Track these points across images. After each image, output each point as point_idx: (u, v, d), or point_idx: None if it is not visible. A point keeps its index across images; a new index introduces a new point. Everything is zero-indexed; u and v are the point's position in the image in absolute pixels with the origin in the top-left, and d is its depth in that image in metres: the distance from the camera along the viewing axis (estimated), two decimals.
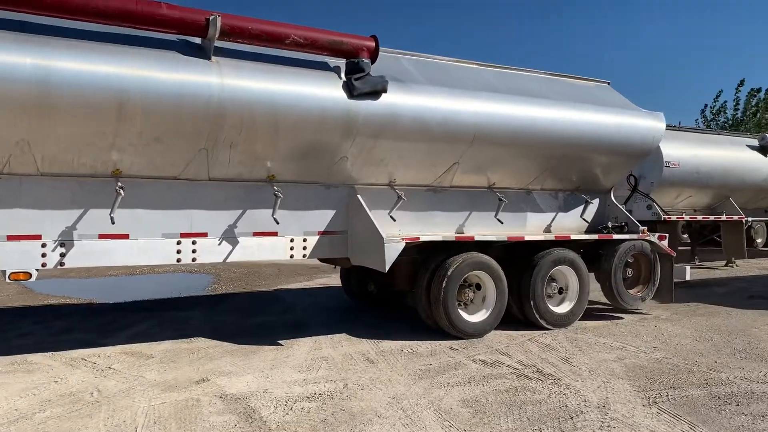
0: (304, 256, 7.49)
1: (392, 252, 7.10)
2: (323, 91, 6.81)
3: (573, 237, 8.74)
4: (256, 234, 7.17)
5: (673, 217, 15.34)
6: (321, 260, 8.42)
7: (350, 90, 6.91)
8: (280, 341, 7.56)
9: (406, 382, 6.03)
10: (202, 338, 7.72)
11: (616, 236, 9.11)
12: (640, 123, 9.26)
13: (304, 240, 7.45)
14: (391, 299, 9.42)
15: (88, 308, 9.90)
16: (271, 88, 6.52)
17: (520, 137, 8.23)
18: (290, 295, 11.15)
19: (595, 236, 8.99)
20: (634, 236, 9.24)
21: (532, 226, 9.18)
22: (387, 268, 7.10)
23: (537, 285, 8.28)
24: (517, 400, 5.56)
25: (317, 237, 7.54)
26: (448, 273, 7.62)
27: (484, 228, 8.66)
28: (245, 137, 6.55)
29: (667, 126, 16.23)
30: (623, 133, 9.08)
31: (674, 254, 9.58)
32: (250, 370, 6.39)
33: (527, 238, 8.31)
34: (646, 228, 9.39)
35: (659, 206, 14.90)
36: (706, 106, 34.05)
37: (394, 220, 7.76)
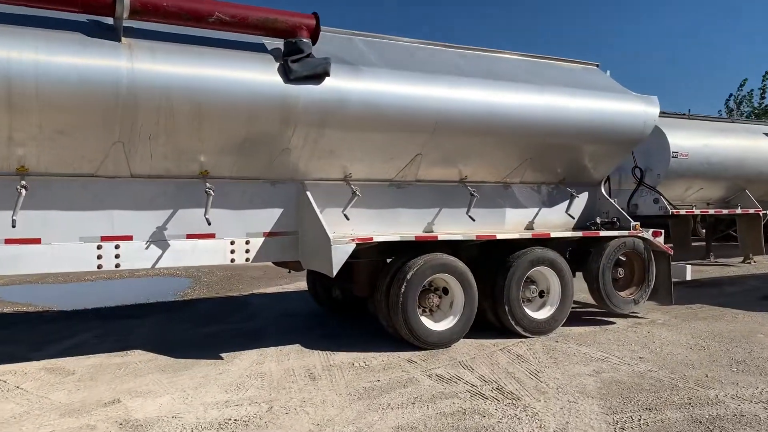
0: (247, 260, 6.76)
1: (340, 254, 6.36)
2: (255, 75, 6.08)
3: (553, 234, 7.90)
4: (190, 236, 6.47)
5: (682, 211, 14.32)
6: (275, 264, 7.69)
7: (287, 73, 6.16)
8: (223, 354, 6.86)
9: (342, 403, 5.28)
10: (141, 351, 7.04)
11: (603, 233, 8.24)
12: (630, 108, 8.38)
13: (247, 242, 6.73)
14: (358, 305, 8.66)
15: (40, 316, 9.31)
16: (192, 73, 5.80)
17: (492, 125, 7.42)
18: (261, 300, 10.45)
19: (579, 233, 8.13)
20: (625, 233, 8.36)
21: (511, 224, 8.36)
22: (334, 273, 6.36)
23: (512, 288, 7.46)
24: (461, 426, 4.78)
25: (262, 239, 6.81)
26: (408, 276, 6.84)
27: (457, 226, 7.86)
28: (165, 128, 5.85)
29: (675, 114, 15.43)
30: (610, 119, 8.21)
31: (671, 252, 8.67)
32: (173, 389, 5.69)
33: (500, 236, 7.49)
34: (638, 224, 8.50)
35: (666, 200, 13.93)
36: (730, 95, 32.70)
37: (348, 219, 7.00)
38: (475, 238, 7.35)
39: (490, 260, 7.73)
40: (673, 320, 8.67)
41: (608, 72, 9.30)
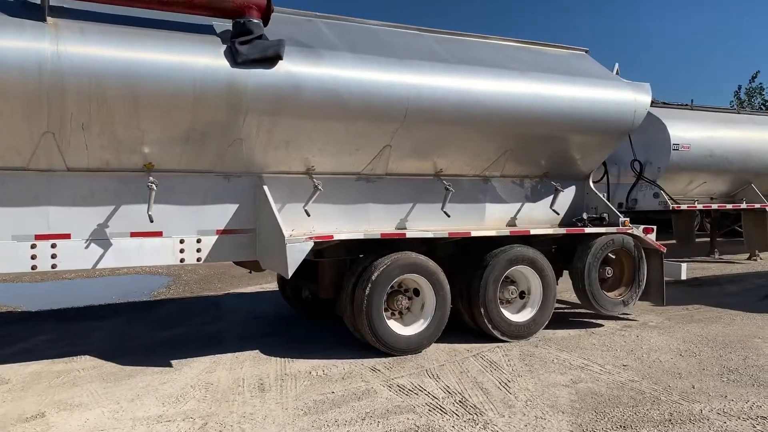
0: (198, 260, 6.27)
1: (296, 254, 5.86)
2: (198, 58, 5.57)
3: (533, 231, 7.36)
4: (134, 234, 5.98)
5: (684, 206, 13.73)
6: (235, 263, 7.20)
7: (234, 57, 5.66)
8: (174, 361, 6.38)
9: (285, 420, 4.79)
10: (89, 357, 6.59)
11: (588, 230, 7.69)
12: (619, 95, 7.81)
13: (198, 241, 6.23)
14: (328, 308, 8.14)
15: (0, 317, 8.87)
16: (126, 57, 5.30)
17: (467, 114, 6.88)
18: (235, 301, 9.97)
19: (561, 230, 7.59)
20: (612, 229, 7.80)
21: (491, 220, 7.82)
22: (290, 274, 5.87)
23: (488, 289, 6.93)
24: None
25: (215, 237, 6.32)
26: (373, 277, 6.34)
27: (432, 222, 7.33)
28: (98, 117, 5.36)
29: (677, 104, 14.79)
30: (598, 107, 7.65)
31: (664, 250, 8.10)
32: (107, 401, 5.22)
33: (475, 233, 6.96)
34: (627, 220, 7.94)
35: (667, 194, 13.34)
36: (740, 87, 31.90)
37: (309, 216, 6.49)
38: (447, 236, 6.82)
39: (467, 259, 7.21)
40: (666, 323, 8.11)
41: (616, 67, 8.66)
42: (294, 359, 6.43)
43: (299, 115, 6.08)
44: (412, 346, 6.56)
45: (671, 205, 13.30)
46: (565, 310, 8.89)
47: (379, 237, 6.46)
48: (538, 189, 8.12)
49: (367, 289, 6.31)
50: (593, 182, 14.38)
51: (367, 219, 7.05)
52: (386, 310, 6.63)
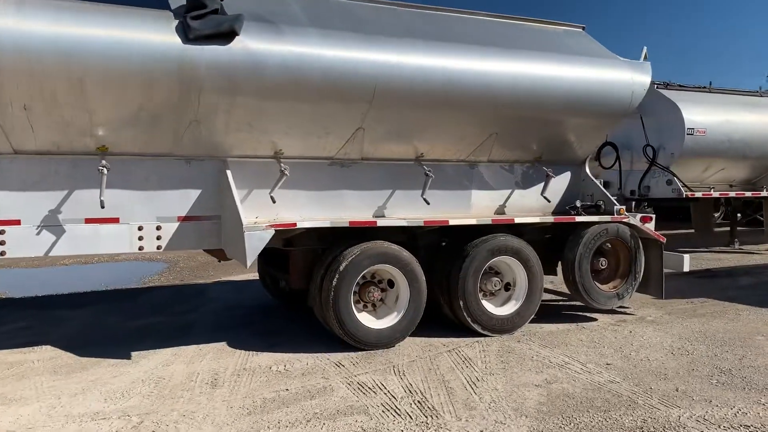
0: (159, 247, 5.98)
1: (255, 242, 5.54)
2: (147, 34, 5.25)
3: (518, 220, 6.92)
4: (89, 221, 5.71)
5: (698, 194, 13.10)
6: (206, 251, 6.90)
7: (186, 32, 5.32)
8: (135, 352, 6.14)
9: (225, 419, 4.48)
10: (49, 347, 6.38)
11: (579, 218, 7.23)
12: (616, 75, 7.31)
13: (158, 228, 5.94)
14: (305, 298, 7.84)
15: None
16: (68, 33, 5.00)
17: (447, 95, 6.46)
18: (221, 289, 9.71)
19: (550, 219, 7.13)
20: (606, 218, 7.33)
21: (478, 207, 7.41)
22: (248, 263, 5.55)
23: (468, 280, 6.54)
24: None
25: (177, 224, 6.02)
26: (341, 268, 5.99)
27: (413, 210, 6.96)
28: (41, 98, 5.08)
29: (694, 87, 14.09)
30: (592, 87, 7.16)
31: (664, 240, 7.60)
32: (49, 395, 4.97)
33: (452, 222, 6.56)
34: (623, 207, 7.46)
35: (681, 181, 12.73)
36: None
37: (274, 202, 6.15)
38: (423, 224, 6.43)
39: (449, 249, 6.82)
40: (665, 317, 7.63)
41: (644, 50, 8.04)
42: (259, 352, 6.12)
43: (260, 95, 5.72)
44: (384, 340, 6.21)
45: (685, 193, 12.70)
46: (560, 303, 8.46)
47: (347, 225, 6.09)
48: (529, 175, 7.68)
49: (334, 280, 5.97)
50: (604, 168, 13.96)
51: (342, 206, 6.69)
52: (358, 302, 6.31)
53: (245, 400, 4.84)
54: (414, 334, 6.51)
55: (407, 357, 5.96)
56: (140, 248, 5.90)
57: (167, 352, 6.14)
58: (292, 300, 7.94)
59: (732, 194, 13.81)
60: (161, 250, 6.01)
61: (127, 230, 5.84)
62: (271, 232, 5.61)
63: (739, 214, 16.32)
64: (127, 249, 5.90)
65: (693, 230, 16.39)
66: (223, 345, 6.39)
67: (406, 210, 6.96)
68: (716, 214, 18.60)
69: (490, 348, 6.27)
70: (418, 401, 4.81)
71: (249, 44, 5.55)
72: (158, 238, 5.95)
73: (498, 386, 5.15)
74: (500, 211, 7.54)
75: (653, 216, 7.68)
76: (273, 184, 6.24)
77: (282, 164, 6.19)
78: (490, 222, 6.72)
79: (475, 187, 7.39)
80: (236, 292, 9.29)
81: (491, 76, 6.64)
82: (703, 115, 12.80)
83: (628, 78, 7.32)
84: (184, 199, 6.04)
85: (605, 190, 7.75)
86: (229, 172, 6.03)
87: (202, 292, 9.41)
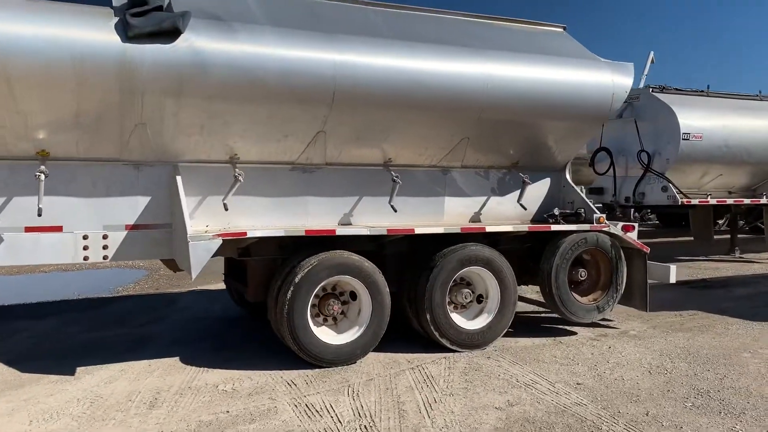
0: (105, 257, 5.67)
1: (201, 252, 5.22)
2: (81, 32, 4.94)
3: (489, 229, 6.56)
4: (29, 229, 5.41)
5: (695, 201, 12.68)
6: (162, 261, 6.58)
7: (125, 30, 5.01)
8: (80, 368, 5.84)
9: None
10: None
11: (555, 227, 6.86)
12: (595, 77, 6.95)
13: (105, 236, 5.62)
14: None
15: None
16: None
17: (412, 97, 6.14)
18: (194, 299, 9.38)
19: (524, 227, 6.77)
20: (585, 227, 6.96)
21: (452, 215, 7.07)
22: (194, 275, 5.23)
23: (435, 292, 6.19)
24: None
25: (125, 232, 5.71)
26: (296, 280, 5.66)
27: (382, 217, 6.62)
28: None
29: (690, 90, 13.68)
30: (569, 90, 6.81)
31: (647, 250, 7.22)
32: None
33: (418, 230, 6.21)
34: (603, 216, 7.08)
35: (676, 187, 12.33)
36: None
37: (227, 209, 5.83)
38: (386, 233, 6.09)
39: (418, 259, 6.48)
40: (649, 331, 7.25)
41: (651, 55, 7.78)
42: (211, 369, 5.80)
43: (209, 97, 5.41)
44: (343, 357, 5.86)
45: (680, 200, 12.29)
46: (541, 315, 8.08)
47: (303, 234, 5.76)
48: (506, 181, 7.33)
49: (289, 292, 5.64)
50: (598, 174, 13.57)
51: (306, 213, 6.37)
52: (318, 315, 5.98)
53: (179, 424, 4.51)
54: (380, 349, 6.19)
55: (366, 375, 5.61)
56: (85, 258, 5.59)
57: (115, 368, 5.82)
58: (258, 312, 7.60)
59: (730, 201, 13.38)
60: (108, 260, 5.70)
61: (71, 239, 5.53)
62: (218, 242, 5.29)
63: (742, 222, 15.91)
64: (71, 259, 5.59)
65: (692, 238, 15.95)
66: (175, 360, 6.07)
67: (375, 217, 6.62)
68: (720, 221, 18.18)
69: (456, 365, 5.91)
70: (365, 426, 4.47)
71: (196, 43, 5.24)
72: (105, 247, 5.64)
73: (455, 409, 4.79)
74: (475, 218, 7.19)
75: (636, 225, 7.31)
76: (222, 190, 5.92)
77: (237, 169, 5.87)
78: (458, 231, 6.37)
79: (449, 193, 7.05)
80: (208, 303, 8.96)
81: (462, 78, 6.31)
82: (700, 120, 12.41)
83: (609, 80, 6.96)
84: (132, 207, 5.73)
85: (585, 198, 7.37)
86: (179, 178, 5.71)
87: (173, 301, 9.10)
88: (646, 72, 15.74)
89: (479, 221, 7.19)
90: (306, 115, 5.84)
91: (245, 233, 5.50)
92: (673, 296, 9.41)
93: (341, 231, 5.90)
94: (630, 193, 13.14)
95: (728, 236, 15.65)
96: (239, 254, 6.19)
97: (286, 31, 5.64)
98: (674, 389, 5.26)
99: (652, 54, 16.15)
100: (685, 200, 12.44)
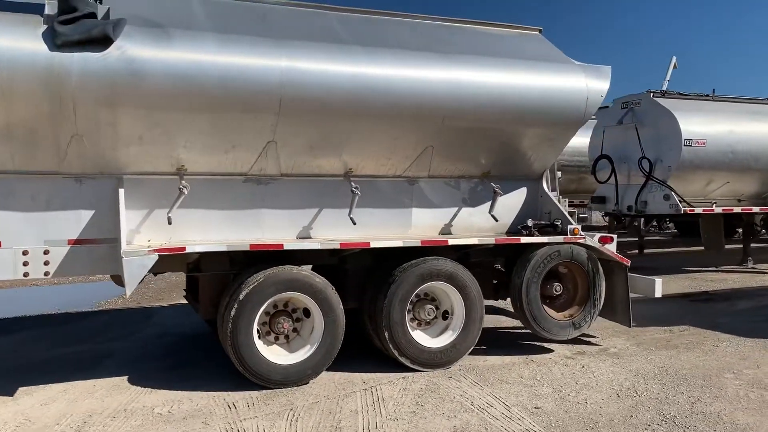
0: (47, 273, 5.46)
1: (135, 269, 5.02)
2: (9, 41, 4.77)
3: (452, 242, 6.25)
4: None
5: (698, 209, 12.19)
6: (111, 277, 6.36)
7: (53, 38, 4.83)
8: (25, 387, 5.66)
9: None
10: None
11: (525, 239, 6.52)
12: (568, 81, 6.62)
13: (46, 252, 5.42)
14: None
15: None
16: None
17: (366, 104, 5.88)
18: (170, 314, 9.17)
19: (490, 240, 6.43)
20: (558, 239, 6.60)
21: (420, 227, 6.76)
22: (129, 292, 5.02)
23: (393, 309, 5.89)
24: None
25: (67, 248, 5.50)
26: (240, 297, 5.41)
27: (344, 230, 6.33)
28: None
29: (694, 95, 13.17)
30: (541, 95, 6.50)
31: (628, 263, 6.84)
32: None
33: (374, 244, 5.92)
34: (578, 227, 6.71)
35: (678, 195, 11.87)
36: None
37: (170, 223, 5.59)
38: (339, 247, 5.81)
39: (379, 273, 6.18)
40: (631, 349, 6.85)
41: (673, 60, 7.48)
42: (155, 389, 5.56)
43: (147, 107, 5.21)
44: (292, 377, 5.58)
45: (683, 209, 11.82)
46: (521, 331, 7.69)
47: (247, 248, 5.51)
48: (477, 192, 7.00)
49: (233, 310, 5.39)
50: (600, 182, 13.15)
51: (260, 226, 6.12)
52: (269, 333, 5.71)
53: None
54: (338, 368, 5.92)
55: (313, 397, 5.32)
56: (25, 274, 5.39)
57: (57, 388, 5.62)
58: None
59: (737, 210, 12.84)
60: (50, 276, 5.50)
61: (10, 255, 5.33)
62: (154, 257, 5.07)
63: (762, 230, 15.32)
64: (11, 275, 5.39)
65: (702, 248, 15.40)
66: (123, 380, 5.85)
67: (336, 230, 6.35)
68: (740, 230, 17.54)
69: (413, 386, 5.60)
70: None
71: (130, 51, 5.04)
72: (46, 263, 5.44)
73: None
74: (446, 231, 6.88)
75: (614, 236, 6.92)
76: (169, 202, 5.70)
77: (183, 181, 5.64)
78: (418, 244, 6.06)
79: (416, 205, 6.75)
80: (183, 317, 8.73)
81: (423, 84, 6.04)
82: (703, 125, 11.95)
83: (582, 84, 6.62)
84: (75, 221, 5.52)
85: (562, 208, 7.01)
86: (121, 191, 5.51)
87: (149, 316, 8.90)
88: (668, 78, 15.20)
89: (450, 233, 6.88)
90: (253, 124, 5.60)
91: (184, 248, 5.28)
92: (667, 310, 8.98)
93: (290, 245, 5.64)
94: (632, 202, 12.69)
95: (740, 246, 15.06)
96: (189, 270, 5.97)
97: (228, 37, 5.41)
98: (638, 414, 4.88)
99: (674, 59, 15.62)
100: (688, 209, 11.97)
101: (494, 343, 7.08)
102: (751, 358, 6.44)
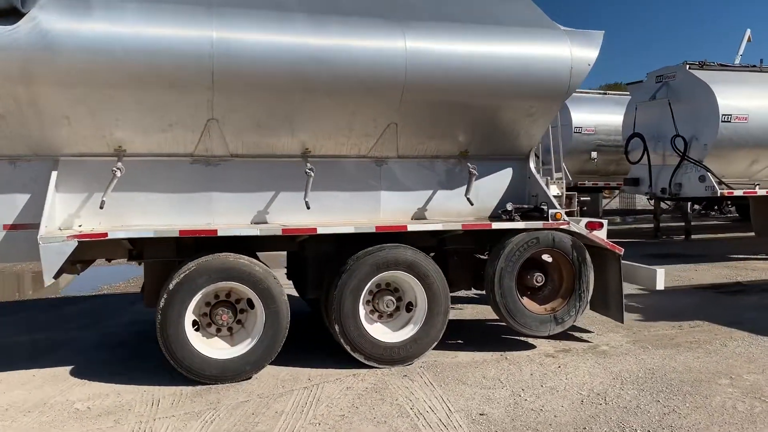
0: None
1: (52, 256, 4.74)
2: None
3: (411, 227, 5.70)
4: None
5: (738, 192, 11.14)
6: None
7: None
8: None
9: None
10: None
11: (496, 225, 5.91)
12: (549, 49, 5.93)
13: None
14: None
15: None
16: None
17: (317, 77, 5.38)
18: None
19: (457, 225, 5.85)
20: (537, 224, 5.96)
21: (390, 212, 6.24)
22: (47, 280, 4.74)
23: (344, 300, 5.43)
24: None
25: (3, 233, 5.28)
26: (170, 286, 5.05)
27: (303, 214, 5.86)
28: None
29: (737, 66, 12.02)
30: (518, 63, 5.85)
31: (621, 251, 6.12)
32: None
33: (321, 230, 5.45)
34: (561, 212, 6.04)
35: (715, 176, 10.88)
36: None
37: (102, 208, 5.26)
38: (281, 233, 5.38)
39: (336, 262, 5.72)
40: (625, 347, 6.17)
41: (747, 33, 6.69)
42: (90, 381, 5.30)
43: (66, 84, 4.88)
44: (229, 373, 5.20)
45: (720, 191, 10.81)
46: None
47: (177, 234, 5.14)
48: (455, 173, 6.42)
49: (162, 300, 5.04)
50: (631, 163, 12.21)
51: (210, 211, 5.75)
52: (209, 325, 5.34)
53: None
54: (290, 363, 5.57)
55: (245, 395, 4.93)
56: None
57: None
58: None
59: None
60: None
61: None
62: (73, 243, 4.77)
63: None
64: None
65: (754, 232, 14.20)
66: (65, 370, 5.61)
67: (296, 215, 5.89)
68: None
69: (359, 385, 5.13)
70: None
71: (43, 24, 4.71)
72: None
73: None
74: (420, 215, 6.34)
75: (604, 222, 6.21)
76: (116, 185, 5.37)
77: (119, 163, 5.31)
78: (373, 230, 5.56)
79: (385, 187, 6.23)
80: None
81: (377, 54, 5.51)
82: (744, 99, 10.90)
83: (566, 52, 5.92)
84: (10, 205, 5.28)
85: (547, 190, 6.33)
86: (54, 173, 5.23)
87: (133, 303, 8.70)
88: (740, 52, 14.05)
89: (424, 218, 6.33)
90: (186, 100, 5.21)
91: (106, 234, 4.94)
92: (687, 302, 8.21)
93: (224, 232, 5.23)
94: (666, 184, 11.75)
95: None
96: (131, 257, 5.66)
97: (151, 6, 5.01)
98: (593, 427, 4.27)
99: (749, 32, 14.42)
100: (726, 191, 10.95)
101: (475, 337, 6.54)
102: (758, 361, 5.66)
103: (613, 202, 22.97)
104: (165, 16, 5.01)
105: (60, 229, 5.30)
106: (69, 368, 5.67)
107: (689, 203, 15.67)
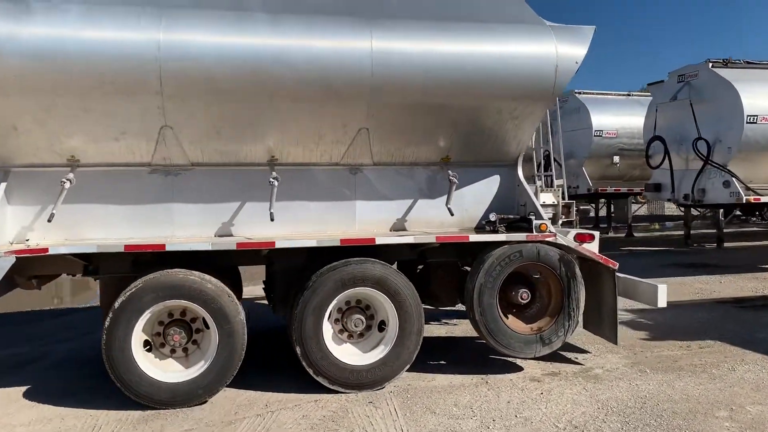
0: None
1: None
2: None
3: (380, 240, 5.29)
4: None
5: (765, 198, 10.41)
6: None
7: None
8: None
9: None
10: None
11: (474, 237, 5.45)
12: (534, 46, 5.47)
13: None
14: None
15: None
16: None
17: (277, 81, 5.04)
18: None
19: (431, 237, 5.41)
20: (520, 236, 5.49)
21: (367, 222, 5.86)
22: None
23: (307, 319, 5.05)
24: None
25: None
26: (116, 305, 4.75)
27: (271, 226, 5.51)
28: None
29: (760, 63, 11.23)
30: (499, 63, 5.40)
31: (616, 265, 5.61)
32: None
33: (280, 244, 5.10)
34: (546, 222, 5.55)
35: (740, 181, 10.18)
36: None
37: (50, 221, 4.98)
38: (236, 248, 5.03)
39: (302, 278, 5.35)
40: (621, 370, 5.65)
41: None
42: (38, 405, 5.05)
43: (4, 92, 4.62)
44: (181, 398, 4.87)
45: (745, 197, 10.11)
46: None
47: (122, 249, 4.83)
48: (437, 181, 5.99)
49: (108, 319, 4.74)
50: (652, 168, 11.57)
51: (171, 223, 5.45)
52: (163, 345, 5.02)
53: None
54: (250, 387, 5.21)
55: (191, 423, 4.60)
56: None
57: None
58: None
59: None
60: None
61: None
62: (11, 259, 4.51)
63: None
64: None
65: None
66: (20, 390, 5.38)
67: (264, 227, 5.54)
68: None
69: (317, 413, 4.75)
70: None
71: None
72: None
73: None
74: (399, 226, 5.94)
75: (596, 234, 5.70)
76: (70, 197, 5.12)
77: (71, 174, 5.05)
78: (337, 243, 5.17)
79: (361, 197, 5.84)
80: None
81: (339, 55, 5.13)
82: None
83: (551, 49, 5.45)
84: None
85: (535, 199, 5.85)
86: (3, 185, 5.00)
87: None
88: None
89: (404, 229, 5.93)
90: (135, 107, 4.92)
91: (47, 249, 4.67)
92: (702, 318, 7.62)
93: (173, 246, 4.90)
94: (689, 190, 11.07)
95: None
96: (86, 272, 5.39)
97: (95, 8, 4.72)
98: None
99: None
100: (752, 197, 10.24)
101: (460, 356, 6.12)
102: (766, 390, 5.08)
103: (641, 209, 22.12)
104: (109, 19, 4.73)
105: (10, 243, 5.07)
106: (24, 388, 5.43)
107: (720, 211, 14.88)
